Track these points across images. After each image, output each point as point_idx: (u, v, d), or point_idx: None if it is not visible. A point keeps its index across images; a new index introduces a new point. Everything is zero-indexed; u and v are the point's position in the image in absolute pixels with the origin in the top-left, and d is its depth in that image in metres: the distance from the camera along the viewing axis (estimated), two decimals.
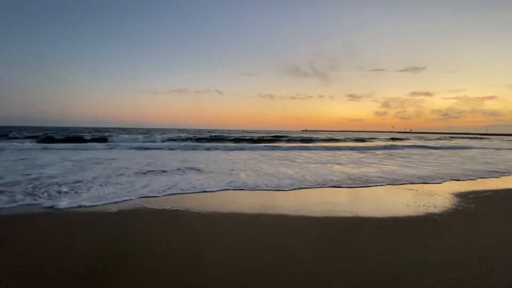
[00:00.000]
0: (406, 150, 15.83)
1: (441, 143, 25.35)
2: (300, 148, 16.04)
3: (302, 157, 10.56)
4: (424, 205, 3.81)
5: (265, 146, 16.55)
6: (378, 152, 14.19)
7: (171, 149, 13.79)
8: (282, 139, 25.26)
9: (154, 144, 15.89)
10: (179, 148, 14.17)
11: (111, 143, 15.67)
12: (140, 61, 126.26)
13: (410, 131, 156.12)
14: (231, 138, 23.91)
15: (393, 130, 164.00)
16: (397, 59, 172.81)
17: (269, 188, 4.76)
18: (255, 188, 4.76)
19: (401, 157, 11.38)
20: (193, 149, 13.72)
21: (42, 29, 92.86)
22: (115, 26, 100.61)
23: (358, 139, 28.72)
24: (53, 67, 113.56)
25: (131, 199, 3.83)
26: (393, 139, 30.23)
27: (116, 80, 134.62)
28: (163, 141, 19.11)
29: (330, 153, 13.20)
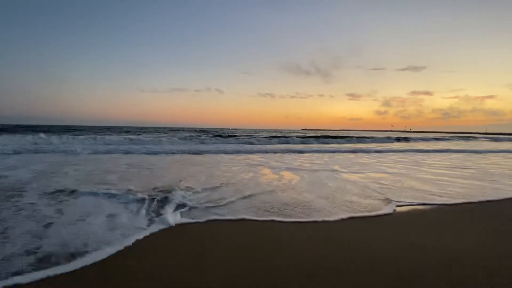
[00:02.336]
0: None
1: (484, 146, 21.53)
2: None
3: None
4: None
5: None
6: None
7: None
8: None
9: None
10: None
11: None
12: (139, 60, 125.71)
13: (409, 130, 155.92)
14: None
15: (392, 129, 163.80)
16: (398, 58, 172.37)
17: None
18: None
19: None
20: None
21: (42, 29, 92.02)
22: (115, 25, 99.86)
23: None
24: (52, 66, 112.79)
25: None
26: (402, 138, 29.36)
27: (116, 79, 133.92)
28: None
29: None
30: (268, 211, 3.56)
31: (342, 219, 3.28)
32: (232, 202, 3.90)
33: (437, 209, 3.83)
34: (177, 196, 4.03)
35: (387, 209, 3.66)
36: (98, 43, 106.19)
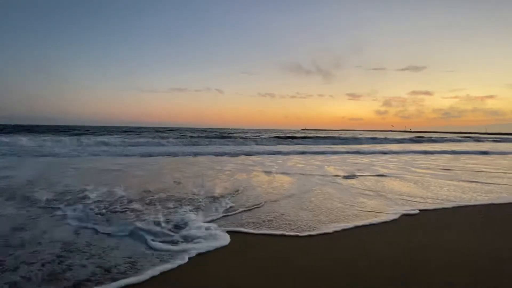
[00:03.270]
0: None
1: None
2: None
3: None
4: None
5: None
6: None
7: None
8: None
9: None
10: None
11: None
12: (139, 60, 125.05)
13: (410, 130, 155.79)
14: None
15: (392, 129, 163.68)
16: (398, 58, 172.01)
17: None
18: None
19: None
20: None
21: (41, 28, 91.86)
22: (114, 25, 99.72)
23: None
24: (52, 66, 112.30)
25: None
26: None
27: (116, 79, 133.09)
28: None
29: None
30: (271, 221, 3.22)
31: (356, 226, 2.95)
32: (236, 213, 3.56)
33: (453, 212, 3.51)
34: (183, 208, 3.68)
35: (393, 215, 3.32)
36: (98, 43, 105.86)
